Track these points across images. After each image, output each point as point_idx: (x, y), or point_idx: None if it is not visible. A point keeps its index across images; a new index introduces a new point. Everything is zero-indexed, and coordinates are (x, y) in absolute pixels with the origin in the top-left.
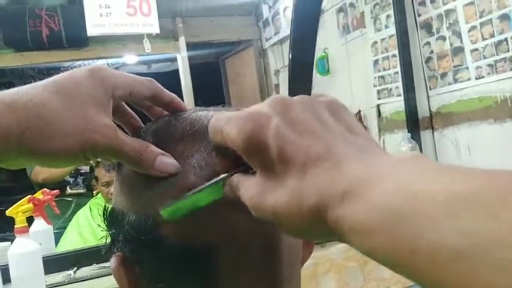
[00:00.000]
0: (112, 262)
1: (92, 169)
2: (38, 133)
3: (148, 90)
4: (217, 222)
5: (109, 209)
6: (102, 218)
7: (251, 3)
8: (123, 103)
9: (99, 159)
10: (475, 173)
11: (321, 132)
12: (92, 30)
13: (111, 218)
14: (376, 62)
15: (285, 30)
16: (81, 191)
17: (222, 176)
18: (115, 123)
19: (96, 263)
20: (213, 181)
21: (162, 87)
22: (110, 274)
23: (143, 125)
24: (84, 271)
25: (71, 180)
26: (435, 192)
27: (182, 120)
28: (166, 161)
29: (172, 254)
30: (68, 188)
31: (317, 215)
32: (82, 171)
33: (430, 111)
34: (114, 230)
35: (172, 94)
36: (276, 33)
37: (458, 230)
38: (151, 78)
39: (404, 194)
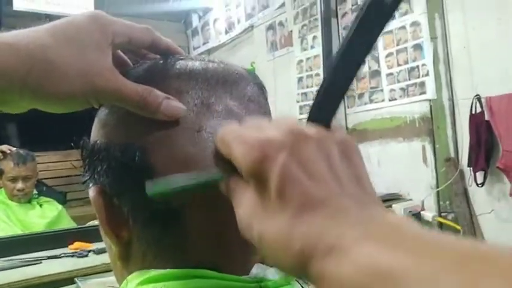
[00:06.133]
0: (91, 192)
1: None
2: (41, 74)
3: (147, 37)
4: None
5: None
6: (80, 153)
7: (181, 11)
8: (119, 50)
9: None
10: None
11: (327, 177)
12: (19, 4)
13: (92, 151)
14: (300, 79)
15: (214, 40)
16: None
17: (217, 175)
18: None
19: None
20: (207, 178)
21: (159, 34)
22: (18, 267)
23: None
24: None
25: None
26: (421, 263)
27: (177, 60)
28: (174, 105)
29: None
30: None
31: (301, 260)
32: None
33: (347, 127)
34: (94, 162)
35: (168, 40)
36: (204, 43)
37: None
38: (149, 26)
39: (388, 260)
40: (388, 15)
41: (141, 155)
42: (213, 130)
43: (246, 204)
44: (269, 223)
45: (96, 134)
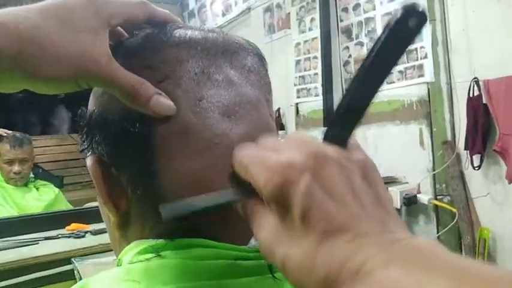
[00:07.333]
0: (88, 161)
1: None
2: (31, 56)
3: (143, 13)
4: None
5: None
6: (78, 122)
7: None
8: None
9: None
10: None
11: (350, 200)
12: None
13: (90, 119)
14: (298, 62)
15: (211, 23)
16: None
17: (234, 197)
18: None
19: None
20: (224, 199)
21: (154, 6)
22: (15, 247)
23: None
24: None
25: None
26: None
27: (175, 28)
28: (163, 102)
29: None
30: None
31: (326, 285)
32: None
33: None
34: (92, 131)
35: (165, 11)
36: (201, 26)
37: None
38: (144, 0)
39: (412, 284)
40: (411, 39)
41: (141, 123)
42: (214, 100)
43: (267, 229)
44: (293, 248)
45: (94, 103)
